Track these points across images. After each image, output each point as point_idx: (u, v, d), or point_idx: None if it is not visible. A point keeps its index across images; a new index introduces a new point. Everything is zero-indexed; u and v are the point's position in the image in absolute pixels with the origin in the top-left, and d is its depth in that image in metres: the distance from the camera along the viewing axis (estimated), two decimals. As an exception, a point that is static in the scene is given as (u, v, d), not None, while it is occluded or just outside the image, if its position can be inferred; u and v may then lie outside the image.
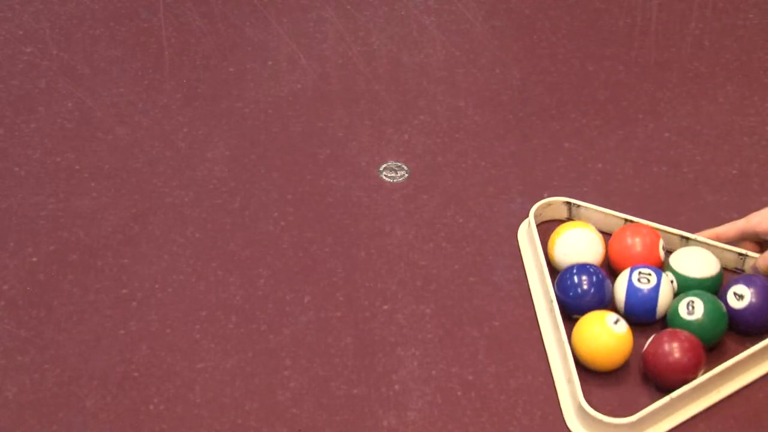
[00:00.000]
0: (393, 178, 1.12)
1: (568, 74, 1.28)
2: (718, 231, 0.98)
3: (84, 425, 0.86)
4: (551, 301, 0.92)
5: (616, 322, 0.88)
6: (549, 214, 1.04)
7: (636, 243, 0.96)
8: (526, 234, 1.02)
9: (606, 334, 0.87)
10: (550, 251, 0.98)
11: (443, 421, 0.87)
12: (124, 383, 0.90)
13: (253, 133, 1.18)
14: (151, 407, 0.88)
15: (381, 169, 1.13)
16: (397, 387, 0.89)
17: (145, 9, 1.40)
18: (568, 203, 1.03)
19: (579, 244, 0.96)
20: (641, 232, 0.97)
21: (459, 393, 0.89)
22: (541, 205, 1.02)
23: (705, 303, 0.89)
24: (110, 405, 0.88)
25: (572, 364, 0.87)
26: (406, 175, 1.12)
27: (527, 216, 1.03)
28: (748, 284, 0.91)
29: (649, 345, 0.88)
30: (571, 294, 0.92)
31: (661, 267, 0.95)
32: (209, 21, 1.38)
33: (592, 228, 0.98)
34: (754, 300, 0.90)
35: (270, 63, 1.30)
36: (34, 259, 1.02)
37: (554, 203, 1.03)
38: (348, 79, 1.27)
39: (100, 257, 1.02)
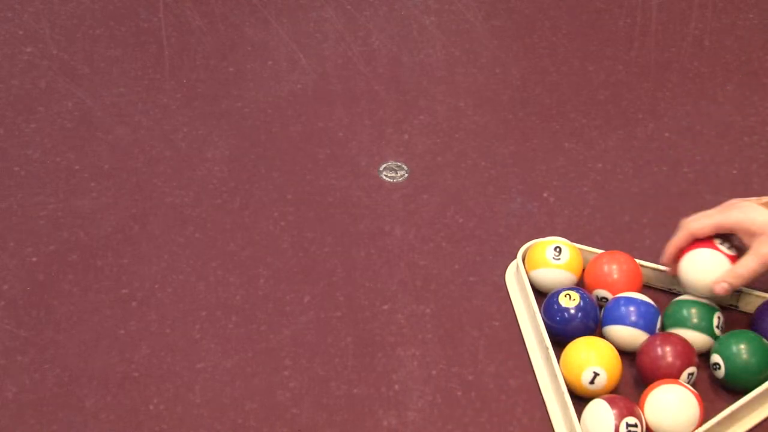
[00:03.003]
0: (393, 178, 1.12)
1: (568, 74, 1.28)
2: (692, 229, 0.90)
3: (84, 425, 0.86)
4: (546, 348, 0.89)
5: (591, 382, 0.85)
6: None
7: (613, 270, 0.94)
8: (515, 276, 0.99)
9: (582, 391, 0.86)
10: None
11: (443, 421, 0.87)
12: (124, 383, 0.90)
13: (253, 133, 1.18)
14: (151, 407, 0.88)
15: (381, 169, 1.13)
16: (397, 387, 0.89)
17: (145, 9, 1.40)
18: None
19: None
20: (618, 259, 0.95)
21: (459, 393, 0.89)
22: (529, 246, 0.99)
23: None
24: (110, 405, 0.88)
25: (573, 416, 0.84)
26: (406, 175, 1.12)
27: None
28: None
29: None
30: (558, 319, 0.90)
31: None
32: (209, 21, 1.38)
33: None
34: None
35: (270, 63, 1.30)
36: (34, 259, 1.02)
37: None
38: (348, 79, 1.27)
39: (100, 257, 1.02)
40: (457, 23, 1.37)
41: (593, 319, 0.91)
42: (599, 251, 0.97)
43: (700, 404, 0.82)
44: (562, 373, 0.86)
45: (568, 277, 0.95)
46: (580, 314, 0.90)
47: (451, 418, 0.87)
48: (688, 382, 0.85)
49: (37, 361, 0.91)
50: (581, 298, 0.90)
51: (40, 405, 0.88)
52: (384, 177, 1.12)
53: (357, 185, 1.11)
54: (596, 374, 0.85)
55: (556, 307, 0.91)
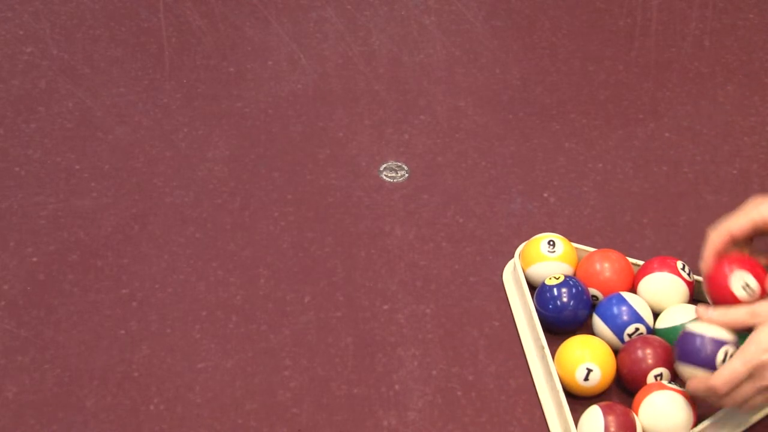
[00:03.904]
0: (393, 178, 1.12)
1: (568, 74, 1.28)
2: (731, 229, 0.85)
3: (84, 425, 0.86)
4: (542, 348, 0.89)
5: (586, 379, 0.86)
6: None
7: (605, 268, 0.94)
8: (512, 275, 1.00)
9: (578, 389, 0.87)
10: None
11: (443, 421, 0.87)
12: (124, 383, 0.90)
13: (253, 133, 1.18)
14: (151, 407, 0.88)
15: (381, 169, 1.13)
16: (397, 387, 0.89)
17: (145, 9, 1.40)
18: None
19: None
20: (610, 257, 0.95)
21: (459, 393, 0.89)
22: (524, 244, 0.99)
23: None
24: (110, 405, 0.88)
25: (568, 413, 0.84)
26: (406, 175, 1.12)
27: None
28: None
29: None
30: (550, 307, 0.91)
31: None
32: (209, 21, 1.38)
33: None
34: None
35: (270, 63, 1.30)
36: (34, 259, 1.02)
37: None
38: (348, 79, 1.27)
39: (100, 257, 1.02)
40: (457, 23, 1.37)
41: (584, 305, 0.92)
42: (593, 249, 0.97)
43: (693, 407, 0.82)
44: (558, 373, 0.87)
45: (564, 268, 0.95)
46: (572, 302, 0.91)
47: (451, 418, 0.87)
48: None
49: (37, 361, 0.91)
50: (567, 278, 0.92)
51: (40, 405, 0.88)
52: (384, 177, 1.12)
53: (357, 185, 1.11)
54: (590, 370, 0.85)
55: (548, 294, 0.91)
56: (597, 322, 0.91)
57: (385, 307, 0.97)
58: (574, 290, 0.91)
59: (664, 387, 0.83)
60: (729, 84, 1.26)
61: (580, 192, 1.10)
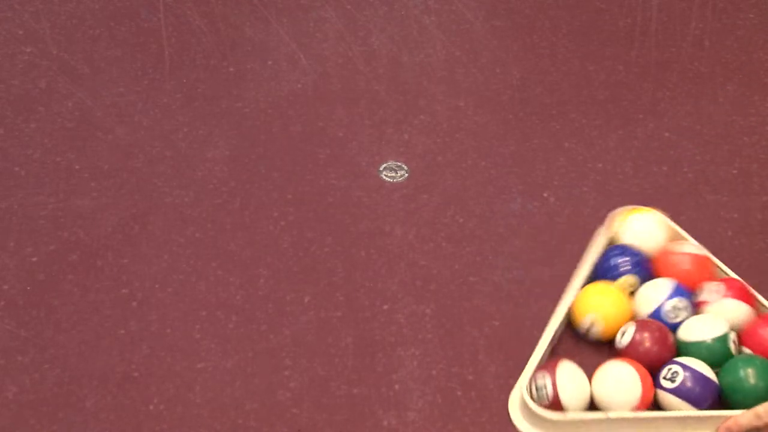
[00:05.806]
0: (393, 178, 1.12)
1: (568, 74, 1.28)
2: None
3: (84, 425, 0.86)
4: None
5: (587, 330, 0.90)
6: None
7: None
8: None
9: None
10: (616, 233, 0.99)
11: (443, 421, 0.87)
12: (124, 383, 0.90)
13: (253, 133, 1.18)
14: (151, 407, 0.88)
15: (381, 169, 1.13)
16: (397, 387, 0.89)
17: (145, 9, 1.40)
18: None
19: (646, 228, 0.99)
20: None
21: (459, 393, 0.89)
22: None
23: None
24: (110, 405, 0.88)
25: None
26: (406, 175, 1.12)
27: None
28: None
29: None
30: (609, 276, 0.95)
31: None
32: (209, 21, 1.38)
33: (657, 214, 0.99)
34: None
35: (270, 63, 1.30)
36: (34, 259, 1.02)
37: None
38: (348, 79, 1.27)
39: (100, 257, 1.02)
40: (457, 23, 1.38)
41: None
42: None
43: (644, 383, 0.85)
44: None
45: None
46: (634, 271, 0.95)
47: (451, 418, 0.87)
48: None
49: (37, 361, 0.91)
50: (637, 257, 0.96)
51: (40, 405, 0.88)
52: (384, 177, 1.12)
53: (357, 185, 1.11)
54: (593, 323, 0.91)
55: (611, 263, 0.96)
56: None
57: (385, 307, 0.97)
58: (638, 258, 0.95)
59: (618, 358, 0.86)
60: (729, 84, 1.26)
61: (580, 192, 1.10)
